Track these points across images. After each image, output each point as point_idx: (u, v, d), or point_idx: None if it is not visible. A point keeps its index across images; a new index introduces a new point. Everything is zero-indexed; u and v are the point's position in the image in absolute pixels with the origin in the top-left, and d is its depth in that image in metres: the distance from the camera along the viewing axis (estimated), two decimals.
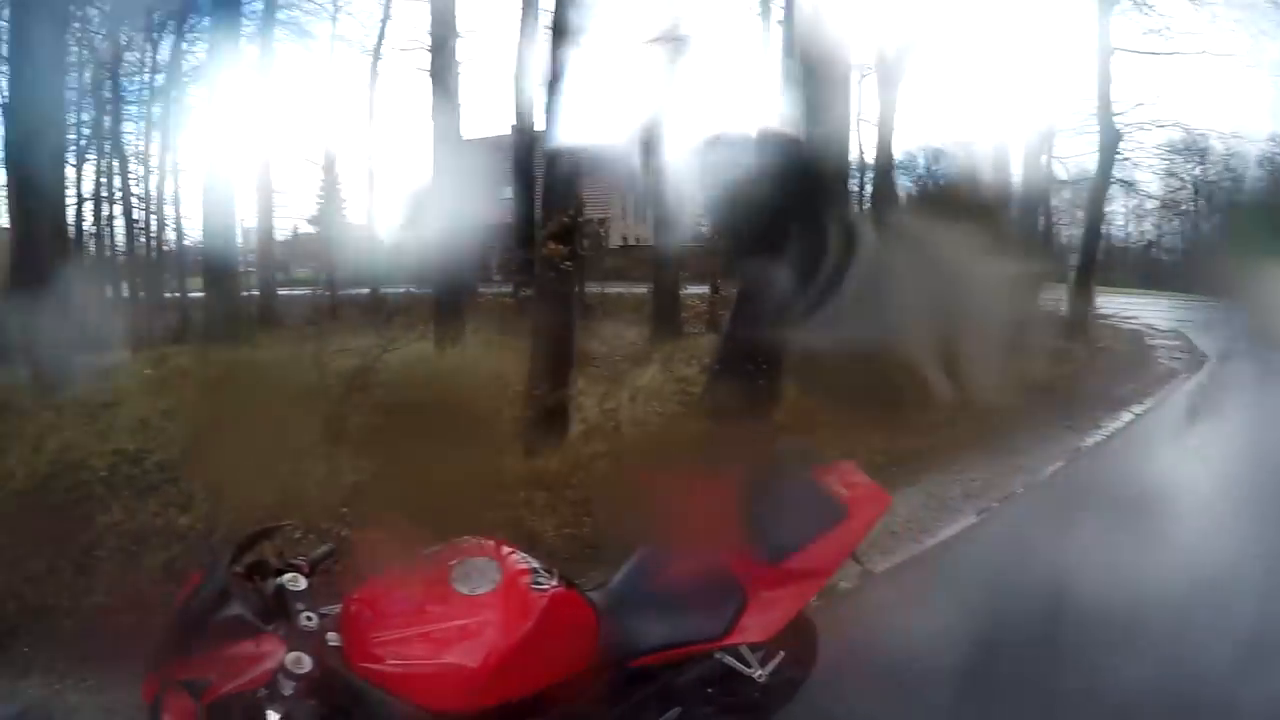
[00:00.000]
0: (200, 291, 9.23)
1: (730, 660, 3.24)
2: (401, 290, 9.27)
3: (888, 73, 8.55)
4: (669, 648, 3.16)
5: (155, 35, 9.12)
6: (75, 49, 8.69)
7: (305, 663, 2.71)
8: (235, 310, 8.87)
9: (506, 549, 3.18)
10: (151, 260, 9.49)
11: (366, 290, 9.56)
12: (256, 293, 9.41)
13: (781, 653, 3.32)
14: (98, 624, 5.27)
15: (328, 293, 9.75)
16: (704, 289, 9.52)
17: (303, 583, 2.93)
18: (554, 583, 3.04)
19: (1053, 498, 6.85)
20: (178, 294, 9.60)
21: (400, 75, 9.15)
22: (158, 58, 9.20)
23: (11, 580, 5.58)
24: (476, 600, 2.92)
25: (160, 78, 9.27)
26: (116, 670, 4.94)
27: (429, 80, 8.68)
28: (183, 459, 6.39)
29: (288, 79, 9.15)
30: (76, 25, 8.68)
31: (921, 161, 10.12)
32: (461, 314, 8.30)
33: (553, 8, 7.48)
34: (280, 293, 9.69)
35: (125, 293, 9.55)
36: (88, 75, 9.02)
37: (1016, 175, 9.89)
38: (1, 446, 6.69)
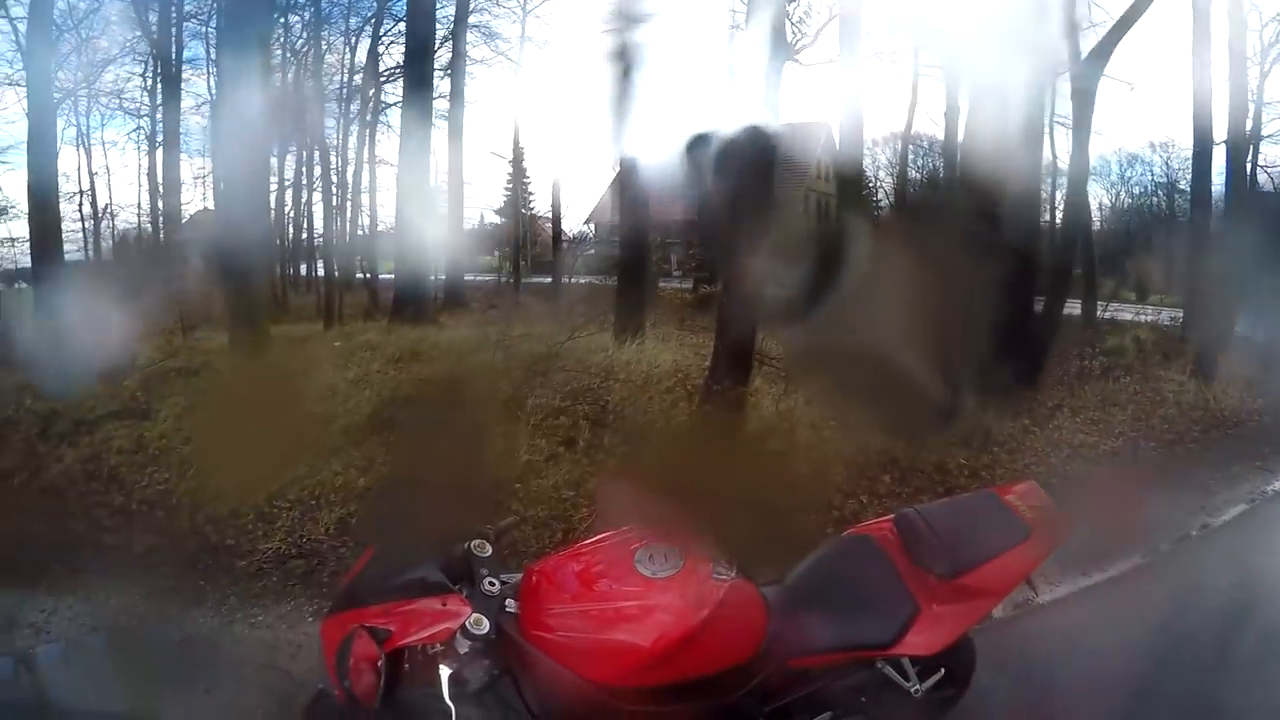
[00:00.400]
0: (389, 274, 9.53)
1: (890, 671, 3.17)
2: (583, 280, 9.40)
3: (1085, 71, 8.11)
4: (834, 651, 3.10)
5: (353, 39, 9.52)
6: (279, 52, 9.16)
7: (484, 625, 2.81)
8: (422, 291, 9.12)
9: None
10: (344, 243, 9.85)
11: (548, 279, 9.70)
12: (443, 276, 9.61)
13: (942, 670, 3.24)
14: (271, 567, 5.57)
15: (511, 279, 9.91)
16: None
17: (488, 549, 3.09)
18: (732, 574, 3.03)
19: (1229, 545, 6.35)
20: (367, 275, 9.93)
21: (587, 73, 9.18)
22: (355, 59, 9.61)
23: (195, 520, 5.95)
24: (657, 583, 2.96)
25: (358, 78, 9.67)
26: (283, 610, 5.26)
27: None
28: (367, 425, 6.59)
29: (478, 78, 9.40)
30: (279, 31, 9.13)
31: (1115, 168, 9.56)
32: (642, 307, 8.32)
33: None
34: (466, 278, 9.91)
35: (320, 272, 9.95)
36: (290, 75, 9.48)
37: (1218, 184, 9.21)
38: (199, 403, 7.06)
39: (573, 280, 9.50)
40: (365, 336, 8.45)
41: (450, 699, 2.69)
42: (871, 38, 8.62)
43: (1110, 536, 5.70)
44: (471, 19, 9.47)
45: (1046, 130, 8.15)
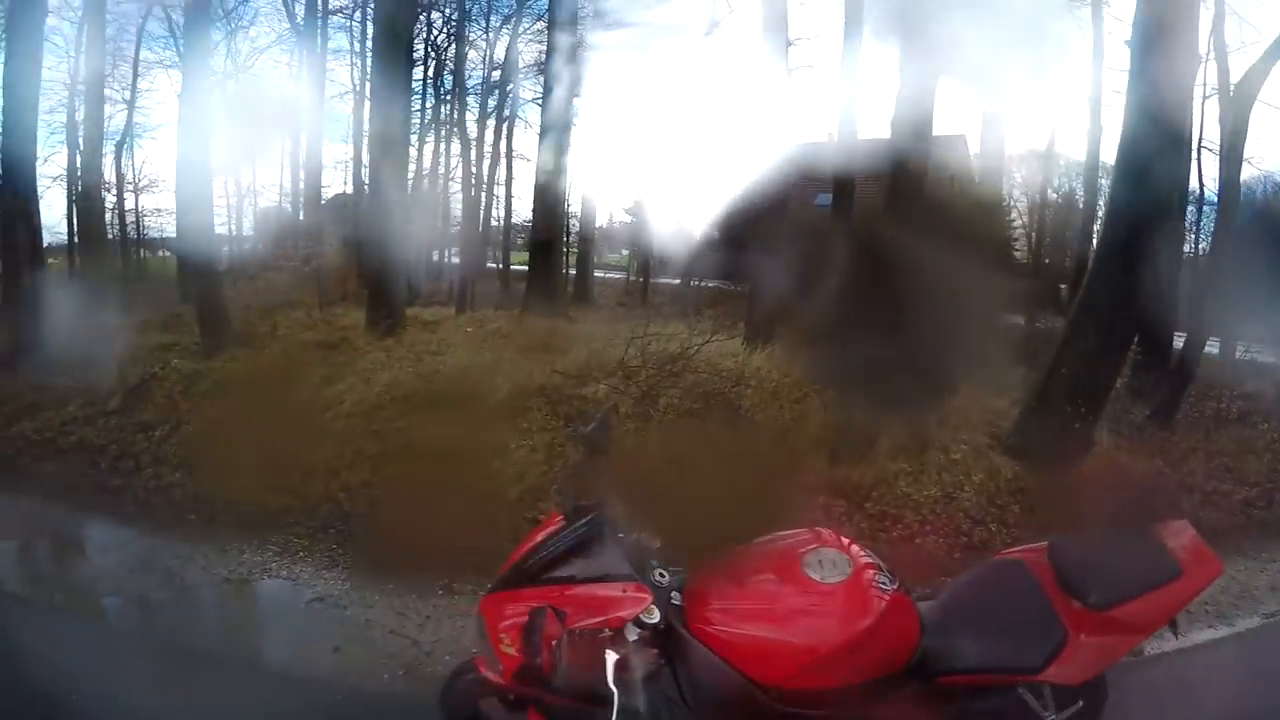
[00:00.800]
0: (521, 265, 9.68)
1: (1029, 698, 3.13)
2: (712, 284, 9.34)
3: (1237, 96, 7.76)
4: (982, 671, 3.10)
5: (493, 35, 9.73)
6: (420, 46, 9.41)
7: (655, 615, 2.91)
8: (554, 285, 9.20)
9: (853, 543, 3.27)
10: (477, 232, 10.00)
11: (677, 280, 9.68)
12: (574, 271, 9.72)
13: (1080, 702, 3.20)
14: (398, 538, 5.60)
15: (640, 278, 9.95)
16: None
17: (657, 541, 3.19)
18: (894, 586, 3.07)
19: None
20: (498, 265, 10.13)
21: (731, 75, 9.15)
22: (494, 55, 9.82)
23: (330, 487, 6.12)
24: (825, 588, 3.02)
25: (496, 73, 9.88)
26: (412, 580, 5.39)
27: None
28: (501, 410, 6.68)
29: (614, 75, 9.43)
30: (421, 25, 9.38)
31: (1259, 194, 9.05)
32: (773, 315, 8.28)
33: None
34: (596, 274, 10.00)
35: (453, 259, 10.14)
36: (430, 69, 9.72)
37: None
38: (337, 374, 7.21)
39: (700, 284, 9.43)
40: (496, 324, 8.56)
41: (614, 684, 2.72)
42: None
43: (1241, 589, 5.55)
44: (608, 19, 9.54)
45: (1194, 156, 7.89)
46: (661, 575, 3.05)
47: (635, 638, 2.89)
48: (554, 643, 2.68)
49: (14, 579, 5.88)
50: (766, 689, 2.89)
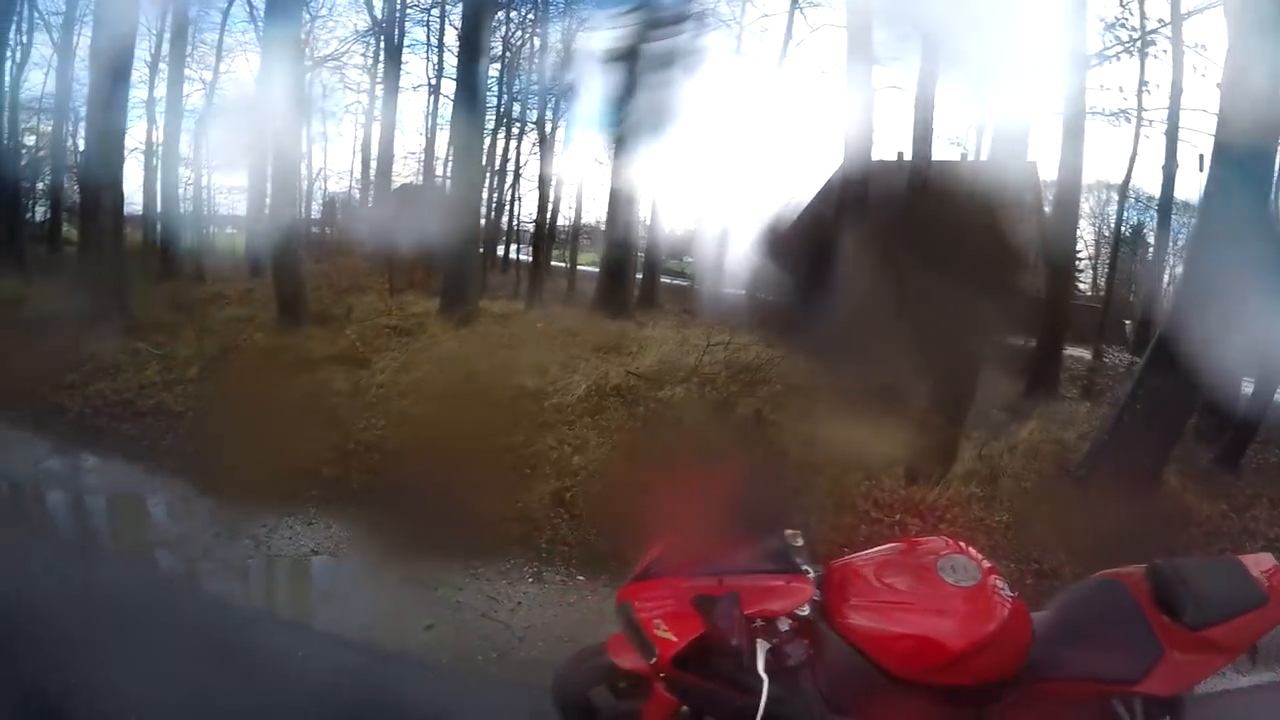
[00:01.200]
0: (587, 266, 9.93)
1: (1121, 709, 3.23)
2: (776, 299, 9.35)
3: None
4: (1085, 680, 3.19)
5: (569, 36, 9.77)
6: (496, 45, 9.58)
7: (806, 609, 3.05)
8: (624, 287, 9.37)
9: (974, 549, 3.38)
10: (545, 233, 10.07)
11: (742, 291, 9.67)
12: (640, 275, 9.81)
13: (1167, 717, 3.27)
14: (484, 524, 5.71)
15: (706, 287, 9.98)
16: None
17: (800, 540, 3.28)
18: (1015, 594, 3.20)
19: None
20: (564, 263, 10.30)
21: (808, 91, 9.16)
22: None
23: (411, 474, 6.12)
24: (959, 590, 3.13)
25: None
26: (503, 566, 5.50)
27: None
28: (579, 407, 6.74)
29: (694, 85, 9.45)
30: (499, 23, 9.53)
31: None
32: (839, 332, 8.30)
33: None
34: (662, 280, 10.09)
35: (520, 255, 10.24)
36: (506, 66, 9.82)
37: None
38: (414, 361, 7.29)
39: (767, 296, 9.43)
40: (566, 322, 8.67)
41: (764, 672, 2.86)
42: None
43: None
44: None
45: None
46: (806, 571, 3.17)
47: (785, 629, 3.02)
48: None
49: (102, 535, 6.19)
50: (900, 682, 3.04)
